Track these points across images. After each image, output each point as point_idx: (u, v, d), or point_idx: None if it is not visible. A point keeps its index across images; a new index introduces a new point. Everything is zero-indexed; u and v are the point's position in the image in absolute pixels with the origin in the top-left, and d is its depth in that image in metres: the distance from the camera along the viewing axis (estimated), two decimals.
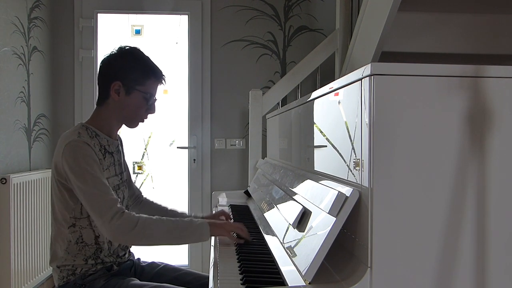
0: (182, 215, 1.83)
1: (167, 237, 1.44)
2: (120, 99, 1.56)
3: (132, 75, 1.55)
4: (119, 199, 1.48)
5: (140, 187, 3.04)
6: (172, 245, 1.49)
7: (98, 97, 1.60)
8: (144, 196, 1.91)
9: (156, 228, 1.42)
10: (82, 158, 1.43)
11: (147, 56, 1.62)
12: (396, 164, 0.95)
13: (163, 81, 1.63)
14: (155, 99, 1.63)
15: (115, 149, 1.64)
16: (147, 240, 1.45)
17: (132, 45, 1.62)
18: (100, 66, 1.60)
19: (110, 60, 1.59)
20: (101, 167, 1.50)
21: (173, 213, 1.83)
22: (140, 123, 1.64)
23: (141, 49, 1.62)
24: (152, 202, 1.89)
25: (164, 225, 1.44)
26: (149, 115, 1.64)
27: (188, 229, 1.45)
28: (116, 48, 1.60)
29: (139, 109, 1.59)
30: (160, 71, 1.62)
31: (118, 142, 1.69)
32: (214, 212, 1.94)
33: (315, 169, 1.40)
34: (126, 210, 1.43)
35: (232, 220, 1.85)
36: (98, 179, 1.43)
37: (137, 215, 1.43)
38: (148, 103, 1.59)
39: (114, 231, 1.39)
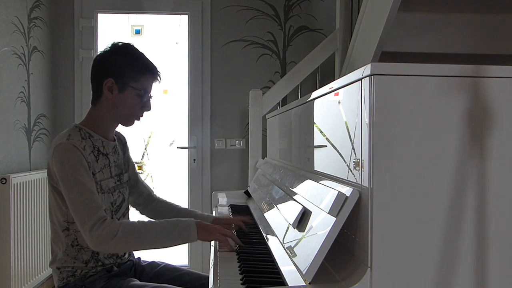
0: (193, 213, 1.77)
1: (151, 242, 1.40)
2: (114, 97, 1.51)
3: (125, 71, 1.50)
4: (104, 206, 1.43)
5: None
6: (158, 248, 1.43)
7: (92, 96, 1.56)
8: (156, 194, 1.84)
9: (138, 234, 1.38)
10: (69, 162, 1.39)
11: (141, 52, 1.56)
12: (396, 164, 0.95)
13: (158, 78, 1.57)
14: (150, 96, 1.57)
15: (111, 150, 1.58)
16: (130, 247, 1.41)
17: (125, 41, 1.56)
18: (93, 64, 1.55)
19: (102, 57, 1.54)
20: (93, 169, 1.46)
21: (185, 212, 1.78)
22: (136, 122, 1.59)
23: (135, 46, 1.57)
24: (164, 200, 1.83)
25: (148, 231, 1.39)
26: (145, 113, 1.58)
27: (173, 232, 1.40)
28: (109, 45, 1.55)
29: (134, 106, 1.53)
30: (155, 67, 1.56)
31: (116, 142, 1.64)
32: (215, 211, 1.89)
33: (315, 169, 1.39)
34: (109, 217, 1.39)
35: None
36: (83, 184, 1.38)
37: (119, 222, 1.39)
38: (142, 100, 1.53)
39: (95, 241, 1.35)
